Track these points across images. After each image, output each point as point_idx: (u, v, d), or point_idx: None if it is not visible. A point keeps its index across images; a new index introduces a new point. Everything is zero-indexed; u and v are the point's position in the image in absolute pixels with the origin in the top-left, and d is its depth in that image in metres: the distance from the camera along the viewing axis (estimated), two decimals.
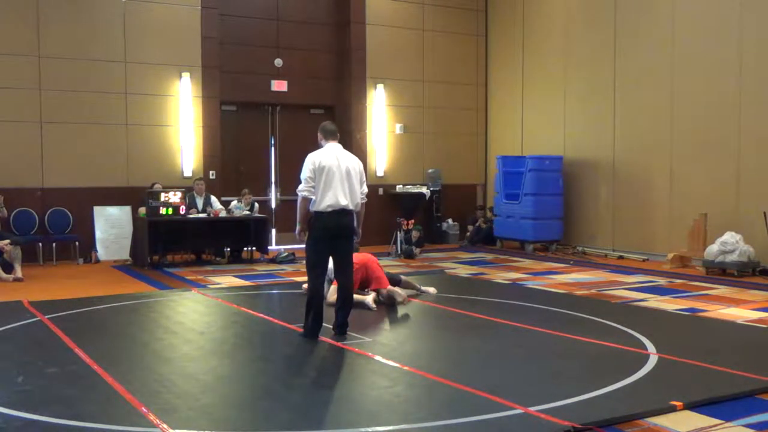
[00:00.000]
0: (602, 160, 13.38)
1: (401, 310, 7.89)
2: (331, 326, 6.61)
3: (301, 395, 4.94)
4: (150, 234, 11.25)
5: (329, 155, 6.52)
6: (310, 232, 6.53)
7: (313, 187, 6.41)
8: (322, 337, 6.48)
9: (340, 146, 6.70)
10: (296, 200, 6.61)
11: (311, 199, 6.42)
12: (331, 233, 6.46)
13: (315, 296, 6.52)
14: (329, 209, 6.39)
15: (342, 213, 6.44)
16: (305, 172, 6.45)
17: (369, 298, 7.89)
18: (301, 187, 6.47)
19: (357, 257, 7.63)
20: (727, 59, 11.24)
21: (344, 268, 6.63)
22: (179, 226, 11.70)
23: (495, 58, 15.88)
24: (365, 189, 6.73)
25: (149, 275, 10.69)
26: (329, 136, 6.71)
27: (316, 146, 6.74)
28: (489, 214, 15.13)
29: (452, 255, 13.35)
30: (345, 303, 6.59)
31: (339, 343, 6.29)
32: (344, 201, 6.43)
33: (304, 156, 6.68)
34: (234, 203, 12.46)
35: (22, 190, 11.97)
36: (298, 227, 6.62)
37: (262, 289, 9.64)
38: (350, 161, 6.61)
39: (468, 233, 15.10)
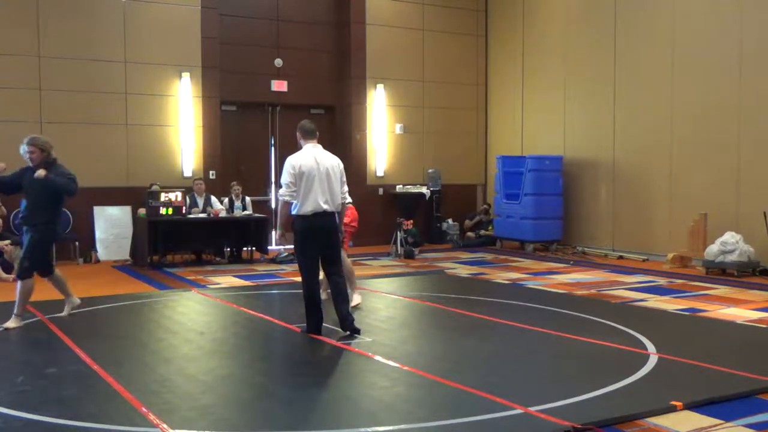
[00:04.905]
0: (602, 160, 13.38)
1: (401, 311, 7.89)
2: (341, 328, 6.59)
3: (301, 395, 4.93)
4: (150, 234, 11.26)
5: (308, 157, 6.50)
6: (294, 236, 6.56)
7: (295, 191, 6.42)
8: (321, 337, 6.49)
9: (319, 146, 6.66)
10: None
11: (292, 203, 6.47)
12: (315, 234, 6.49)
13: (312, 296, 6.57)
14: (310, 213, 6.42)
15: (323, 215, 6.48)
16: (285, 177, 6.46)
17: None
18: (282, 191, 6.49)
19: None
20: (727, 59, 11.24)
21: (333, 262, 6.64)
22: (179, 226, 11.69)
23: (495, 58, 15.88)
24: (346, 188, 6.75)
25: (149, 275, 10.69)
26: (308, 135, 6.66)
27: None
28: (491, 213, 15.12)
29: (452, 255, 13.35)
30: (341, 296, 6.61)
31: (339, 343, 6.30)
32: (325, 204, 6.46)
33: None
34: (234, 203, 12.44)
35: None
36: (278, 232, 6.70)
37: (262, 289, 9.64)
38: (329, 162, 6.58)
39: (468, 231, 15.11)
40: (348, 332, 6.54)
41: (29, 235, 7.10)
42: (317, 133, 6.73)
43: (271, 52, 14.17)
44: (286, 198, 6.46)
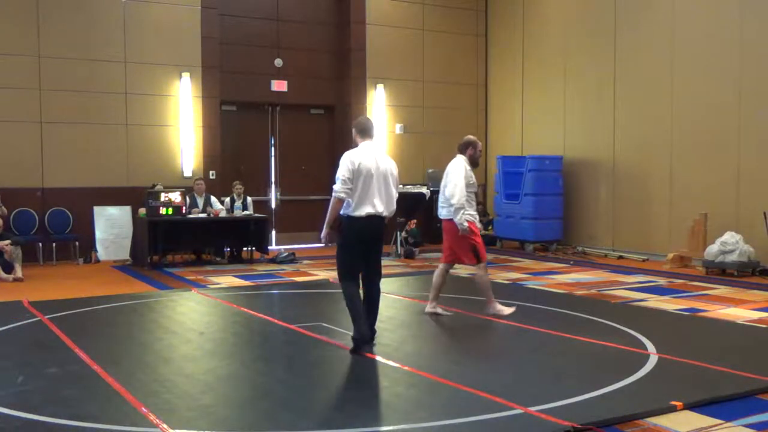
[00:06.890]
0: (602, 160, 13.38)
1: (401, 311, 7.89)
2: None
3: (302, 395, 4.93)
4: (150, 234, 11.25)
5: (368, 156, 6.03)
6: (342, 237, 6.09)
7: (351, 189, 5.94)
8: (322, 337, 6.49)
9: (377, 146, 6.27)
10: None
11: (346, 201, 5.99)
12: (365, 238, 6.06)
13: (354, 300, 6.04)
14: (365, 215, 5.97)
15: (377, 219, 6.05)
16: (343, 172, 5.93)
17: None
18: (337, 187, 5.95)
19: None
20: (727, 60, 11.24)
21: (373, 273, 6.21)
22: (179, 226, 11.69)
23: (495, 58, 15.88)
24: (396, 193, 6.26)
25: (149, 275, 10.69)
26: (365, 134, 6.19)
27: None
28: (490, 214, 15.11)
29: None
30: (374, 307, 6.24)
31: (339, 343, 6.29)
32: (381, 207, 6.03)
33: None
34: (234, 203, 12.43)
35: (22, 190, 11.97)
36: (325, 229, 6.07)
37: (262, 289, 9.64)
38: (388, 165, 6.16)
39: None
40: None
41: None
42: (374, 132, 6.29)
43: (271, 52, 14.17)
44: (341, 195, 5.92)
